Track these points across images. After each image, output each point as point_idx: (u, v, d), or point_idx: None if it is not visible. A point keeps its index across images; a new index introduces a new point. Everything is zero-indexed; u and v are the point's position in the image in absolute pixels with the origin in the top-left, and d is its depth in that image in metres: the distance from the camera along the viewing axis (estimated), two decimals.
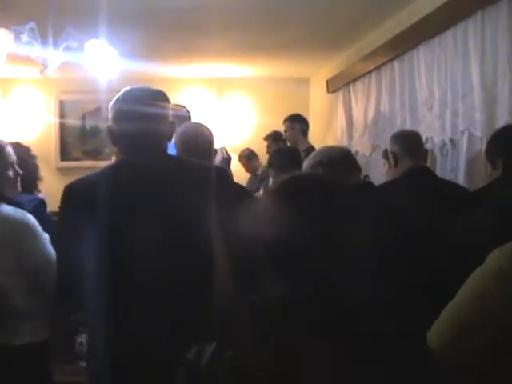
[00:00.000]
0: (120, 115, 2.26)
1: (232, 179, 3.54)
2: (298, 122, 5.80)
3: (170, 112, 2.34)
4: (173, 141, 3.21)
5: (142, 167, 2.21)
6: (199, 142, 3.16)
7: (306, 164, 2.88)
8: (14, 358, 2.58)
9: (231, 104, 8.02)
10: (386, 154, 3.53)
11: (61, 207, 2.26)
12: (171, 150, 3.77)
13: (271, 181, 4.02)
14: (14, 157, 2.90)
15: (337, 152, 2.89)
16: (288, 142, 5.93)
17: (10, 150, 2.87)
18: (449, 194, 3.17)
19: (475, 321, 1.51)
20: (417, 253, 2.39)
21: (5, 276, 2.58)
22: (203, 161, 2.74)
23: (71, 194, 2.21)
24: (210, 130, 3.34)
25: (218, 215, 2.10)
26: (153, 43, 5.65)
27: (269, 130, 6.65)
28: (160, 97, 2.32)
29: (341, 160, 2.80)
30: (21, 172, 2.94)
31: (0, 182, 2.79)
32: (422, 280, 2.26)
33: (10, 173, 2.85)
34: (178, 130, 3.38)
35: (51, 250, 2.62)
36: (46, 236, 2.71)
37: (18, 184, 2.95)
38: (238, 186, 3.47)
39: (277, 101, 7.76)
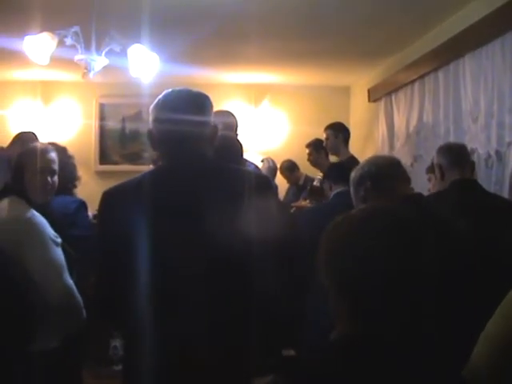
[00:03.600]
0: (160, 118, 2.18)
1: (277, 190, 3.47)
2: (341, 131, 5.73)
3: (213, 116, 2.26)
4: None
5: (182, 173, 2.15)
6: (220, 153, 3.13)
7: (353, 174, 2.80)
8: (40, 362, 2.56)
9: (270, 111, 7.98)
10: (431, 169, 3.49)
11: (98, 213, 2.23)
12: None
13: (328, 192, 4.05)
14: (52, 164, 2.90)
15: (386, 162, 2.80)
16: (329, 151, 5.87)
17: (51, 155, 2.87)
18: (496, 208, 3.09)
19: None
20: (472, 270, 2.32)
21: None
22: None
23: (109, 200, 2.17)
24: (235, 140, 3.32)
25: (260, 224, 2.03)
26: (194, 48, 5.64)
27: (308, 139, 6.59)
28: (202, 100, 2.22)
29: (390, 170, 2.72)
30: (55, 181, 2.94)
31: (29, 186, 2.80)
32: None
33: (42, 179, 2.85)
34: None
35: (60, 255, 2.60)
36: (53, 241, 2.69)
37: (49, 192, 2.94)
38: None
39: (317, 109, 7.71)
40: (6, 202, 2.73)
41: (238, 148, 3.31)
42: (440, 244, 1.49)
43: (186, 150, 2.17)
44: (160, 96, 2.21)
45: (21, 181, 2.82)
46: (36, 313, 2.07)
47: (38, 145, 3.02)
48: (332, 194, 3.94)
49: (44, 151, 2.90)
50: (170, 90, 2.22)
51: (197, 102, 2.21)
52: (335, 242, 1.41)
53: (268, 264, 2.04)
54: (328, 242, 1.41)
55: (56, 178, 2.96)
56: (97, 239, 2.35)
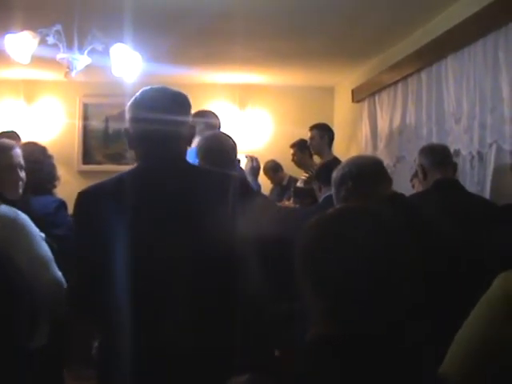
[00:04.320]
0: (136, 117, 2.13)
1: (259, 189, 3.46)
2: (326, 132, 5.72)
3: (196, 116, 2.24)
4: (193, 148, 3.17)
5: (158, 173, 2.12)
6: (222, 151, 3.11)
7: (335, 174, 2.79)
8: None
9: (253, 112, 7.97)
10: (415, 175, 3.52)
11: (74, 213, 2.19)
12: (192, 158, 3.76)
13: (318, 193, 3.94)
14: (18, 159, 2.87)
15: (367, 162, 2.80)
16: (313, 151, 5.85)
17: (15, 152, 2.85)
18: (477, 208, 3.11)
19: (485, 349, 1.47)
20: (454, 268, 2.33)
21: None
22: (225, 170, 2.66)
23: (85, 200, 2.14)
24: (232, 140, 3.30)
25: (236, 223, 2.02)
26: (177, 48, 5.63)
27: (292, 139, 6.59)
28: (180, 99, 2.19)
29: (371, 171, 2.72)
30: (23, 177, 2.91)
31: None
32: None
33: (12, 175, 2.83)
34: (200, 138, 3.35)
35: (46, 251, 2.58)
36: (39, 236, 2.67)
37: (20, 187, 2.91)
38: (263, 197, 3.39)
39: (301, 109, 7.72)
40: None
41: (231, 148, 3.30)
42: (422, 244, 1.49)
43: (162, 149, 2.13)
44: (137, 94, 2.17)
45: None
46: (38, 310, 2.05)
47: (2, 142, 2.99)
48: (322, 196, 3.84)
49: (8, 147, 2.87)
50: (147, 87, 2.18)
51: (175, 100, 2.17)
52: (311, 241, 1.40)
53: (250, 264, 2.03)
54: (304, 242, 1.41)
55: (24, 173, 2.93)
56: (73, 239, 2.32)
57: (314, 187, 4.02)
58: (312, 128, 5.79)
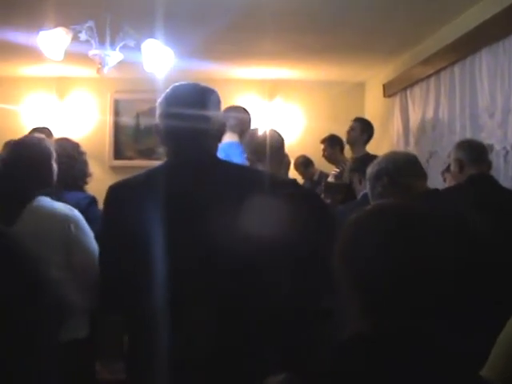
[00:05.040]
0: (166, 113, 2.14)
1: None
2: (368, 128, 5.66)
3: (221, 111, 2.23)
4: (234, 143, 3.16)
5: (187, 169, 2.12)
6: (270, 147, 3.10)
7: (370, 170, 2.76)
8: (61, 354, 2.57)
9: (284, 107, 7.94)
10: (447, 170, 3.47)
11: (104, 207, 2.20)
12: (234, 153, 3.75)
13: (358, 186, 3.81)
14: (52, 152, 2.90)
15: (403, 158, 2.77)
16: (348, 142, 5.79)
17: (46, 144, 2.87)
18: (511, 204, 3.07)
19: None
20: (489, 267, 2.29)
21: (51, 270, 2.59)
22: (273, 165, 2.66)
23: (115, 194, 2.16)
24: (280, 135, 3.29)
25: (265, 221, 2.00)
26: (208, 43, 5.62)
27: (322, 135, 6.57)
28: (209, 95, 2.18)
29: (407, 166, 2.69)
30: (56, 169, 2.93)
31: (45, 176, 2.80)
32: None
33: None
34: (248, 133, 3.37)
35: (96, 247, 2.61)
36: (91, 232, 2.71)
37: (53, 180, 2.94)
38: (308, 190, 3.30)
39: (331, 105, 7.68)
40: (42, 200, 2.72)
41: (279, 143, 3.30)
42: (458, 240, 1.46)
43: (191, 145, 2.13)
44: (167, 90, 2.17)
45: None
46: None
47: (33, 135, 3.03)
48: (362, 191, 3.69)
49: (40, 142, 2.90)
50: (177, 84, 2.18)
51: (204, 96, 2.16)
52: (349, 239, 1.39)
53: (282, 262, 2.01)
54: (342, 240, 1.40)
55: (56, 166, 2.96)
56: (101, 233, 2.33)
57: (354, 180, 3.92)
58: (356, 120, 5.75)
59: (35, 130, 5.59)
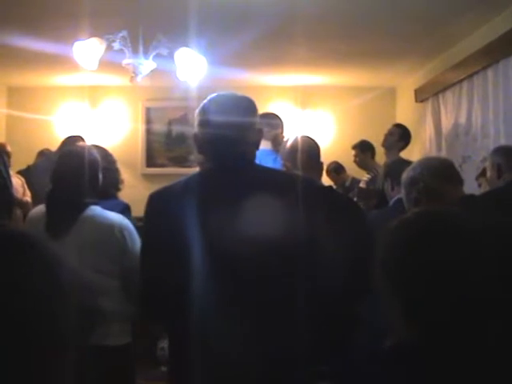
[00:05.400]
0: (205, 122, 2.18)
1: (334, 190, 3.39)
2: (406, 137, 5.62)
3: (258, 119, 2.25)
4: (267, 150, 3.18)
5: (227, 176, 2.15)
6: (305, 154, 3.11)
7: (405, 175, 2.75)
8: (101, 359, 2.60)
9: (315, 113, 7.94)
10: (481, 174, 3.42)
11: (144, 215, 2.24)
12: (272, 159, 3.75)
13: (390, 192, 3.71)
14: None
15: (438, 163, 2.76)
16: (384, 146, 5.76)
17: (94, 153, 2.90)
18: None
19: None
20: None
21: (100, 277, 2.62)
22: (308, 172, 2.66)
23: (154, 201, 2.19)
24: (315, 142, 3.31)
25: (310, 228, 2.01)
26: (240, 51, 5.64)
27: (353, 140, 6.55)
28: (247, 103, 2.22)
29: (443, 172, 2.67)
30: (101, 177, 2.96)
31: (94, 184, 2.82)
32: None
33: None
34: (285, 140, 3.40)
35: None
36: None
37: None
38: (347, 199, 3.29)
39: (362, 110, 7.67)
40: (95, 209, 2.76)
41: (316, 150, 3.31)
42: (500, 247, 1.45)
43: (230, 153, 2.16)
44: (205, 100, 2.21)
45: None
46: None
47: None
48: (395, 197, 3.57)
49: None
50: (215, 94, 2.22)
51: (241, 105, 2.20)
52: (389, 247, 1.39)
53: (320, 266, 2.02)
54: (382, 248, 1.39)
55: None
56: (142, 240, 2.36)
57: (385, 186, 3.83)
58: (396, 125, 5.75)
59: (69, 137, 5.67)
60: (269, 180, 2.18)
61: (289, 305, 2.00)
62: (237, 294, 2.01)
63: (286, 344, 2.01)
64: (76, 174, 2.73)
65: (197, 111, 2.22)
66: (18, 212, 5.56)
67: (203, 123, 2.19)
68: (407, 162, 3.61)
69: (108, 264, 2.66)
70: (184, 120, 7.77)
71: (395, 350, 1.33)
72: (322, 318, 2.01)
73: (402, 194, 3.39)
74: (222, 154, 2.17)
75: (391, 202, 3.61)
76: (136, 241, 2.73)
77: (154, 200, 2.19)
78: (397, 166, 3.79)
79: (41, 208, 2.83)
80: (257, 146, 2.27)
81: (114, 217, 2.77)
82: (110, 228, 2.70)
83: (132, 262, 2.63)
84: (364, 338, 1.89)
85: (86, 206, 2.73)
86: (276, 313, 2.02)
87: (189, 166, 7.39)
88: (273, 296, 2.01)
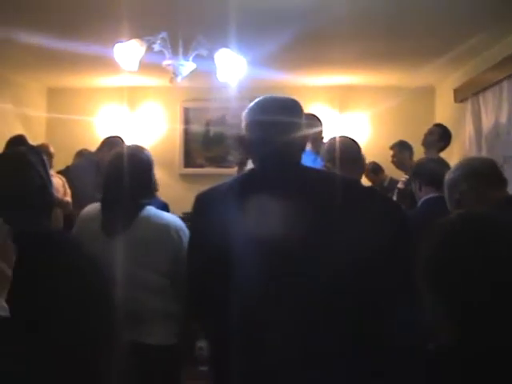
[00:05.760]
0: (252, 124, 2.21)
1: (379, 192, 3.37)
2: (446, 137, 5.60)
3: (303, 121, 2.26)
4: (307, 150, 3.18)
5: (274, 177, 2.16)
6: (346, 155, 3.11)
7: (448, 177, 2.73)
8: (147, 357, 2.63)
9: (353, 113, 7.91)
10: None
11: (191, 215, 2.26)
12: (311, 160, 3.75)
13: (418, 193, 3.65)
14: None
15: (482, 164, 2.72)
16: (423, 145, 5.73)
17: (147, 153, 2.91)
18: None
19: None
20: None
21: (153, 276, 2.65)
22: (351, 173, 2.66)
23: (200, 202, 2.22)
24: (356, 143, 3.31)
25: (357, 229, 2.01)
26: (279, 52, 5.65)
27: (391, 140, 6.51)
28: (293, 105, 2.23)
29: (486, 173, 2.64)
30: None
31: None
32: None
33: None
34: (325, 142, 3.40)
35: None
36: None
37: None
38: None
39: (401, 110, 7.61)
40: (150, 209, 2.79)
41: (357, 151, 3.31)
42: None
43: (277, 154, 2.17)
44: (252, 103, 2.24)
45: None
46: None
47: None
48: (423, 197, 3.55)
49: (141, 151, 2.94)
50: (261, 96, 2.25)
51: (288, 107, 2.22)
52: (435, 247, 1.38)
53: (378, 279, 2.01)
54: (426, 250, 1.39)
55: None
56: (189, 241, 2.38)
57: (413, 186, 3.76)
58: (437, 125, 5.76)
59: (108, 138, 5.74)
60: (316, 181, 2.18)
61: (332, 305, 2.00)
62: (283, 294, 2.02)
63: (329, 346, 2.01)
64: (131, 175, 2.73)
65: (244, 113, 2.24)
66: (59, 212, 5.65)
67: (250, 125, 2.21)
68: (437, 162, 3.53)
69: (162, 264, 2.69)
70: (222, 120, 7.82)
71: (439, 351, 1.32)
72: (365, 318, 2.00)
73: (433, 194, 3.36)
74: (270, 156, 2.18)
75: (419, 203, 3.55)
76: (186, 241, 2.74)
77: (201, 200, 2.22)
78: (424, 166, 3.76)
79: (94, 207, 2.87)
80: (303, 147, 2.28)
81: (170, 217, 2.81)
82: (166, 228, 2.73)
83: (183, 266, 2.66)
84: (408, 340, 1.88)
85: (143, 206, 2.75)
86: (320, 313, 2.01)
87: (227, 167, 7.44)
88: (317, 296, 2.01)
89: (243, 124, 2.24)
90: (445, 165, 3.66)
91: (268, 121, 2.16)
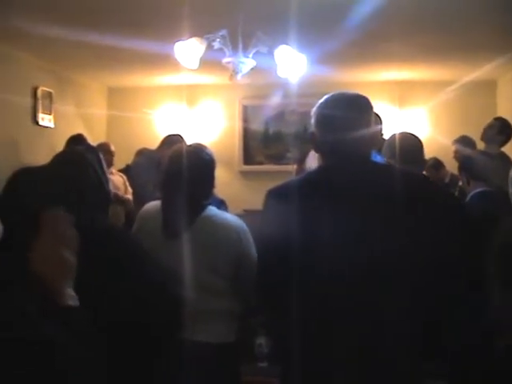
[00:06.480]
0: (321, 121, 2.21)
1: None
2: (507, 129, 5.50)
3: (373, 117, 2.25)
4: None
5: (344, 173, 2.15)
6: (411, 150, 3.08)
7: (511, 174, 2.67)
8: (204, 355, 2.64)
9: (413, 108, 7.80)
10: None
11: (263, 211, 2.27)
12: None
13: (466, 187, 3.60)
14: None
15: None
16: (483, 139, 5.63)
17: (209, 152, 2.90)
18: None
19: None
20: None
21: (213, 276, 2.67)
22: (413, 168, 2.64)
23: (272, 198, 2.22)
24: (417, 139, 3.28)
25: (431, 229, 1.99)
26: (338, 48, 5.60)
27: (452, 136, 6.41)
28: (362, 102, 2.22)
29: None
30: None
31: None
32: None
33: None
34: (387, 139, 3.39)
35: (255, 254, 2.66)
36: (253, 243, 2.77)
37: None
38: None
39: (461, 105, 7.48)
40: (212, 209, 2.80)
41: (419, 146, 3.29)
42: None
43: (347, 151, 2.16)
44: (321, 99, 2.24)
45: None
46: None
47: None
48: (472, 192, 3.45)
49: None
50: (330, 93, 2.25)
51: (358, 103, 2.22)
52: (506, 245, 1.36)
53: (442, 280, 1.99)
54: (504, 236, 1.36)
55: None
56: (259, 235, 2.39)
57: (462, 180, 3.71)
58: (496, 118, 5.67)
59: (168, 136, 5.80)
60: (387, 177, 2.16)
61: (404, 302, 1.99)
62: (354, 291, 2.01)
63: (399, 344, 1.99)
64: (191, 173, 2.71)
65: (313, 110, 2.25)
66: (119, 209, 5.74)
67: (320, 121, 2.22)
68: (486, 155, 3.46)
69: (223, 264, 2.68)
70: (281, 118, 7.83)
71: (510, 349, 1.30)
72: (433, 315, 1.98)
73: (482, 188, 3.28)
74: (340, 152, 2.17)
75: (468, 198, 3.49)
76: (251, 242, 2.74)
77: (273, 196, 2.23)
78: (471, 160, 3.70)
79: (153, 205, 2.86)
80: (373, 144, 2.29)
81: (232, 218, 2.79)
82: (227, 229, 2.72)
83: (247, 264, 2.67)
84: (477, 337, 1.85)
85: (204, 206, 2.75)
86: (392, 310, 2.00)
87: (286, 164, 7.43)
88: (389, 293, 2.00)
89: (312, 120, 2.25)
90: (505, 160, 3.58)
91: (338, 117, 2.17)
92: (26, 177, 1.98)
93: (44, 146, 6.41)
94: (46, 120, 6.85)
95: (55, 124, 6.98)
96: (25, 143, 6.42)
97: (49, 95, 6.90)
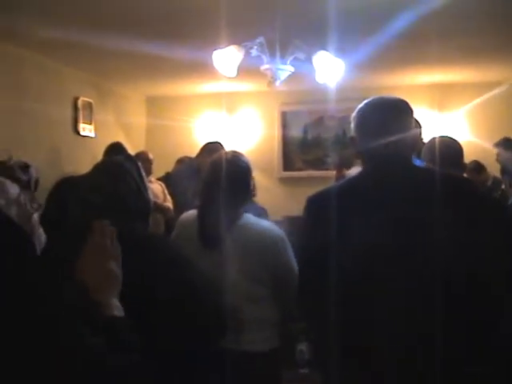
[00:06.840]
0: (361, 126, 2.22)
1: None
2: None
3: (413, 121, 2.23)
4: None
5: (386, 178, 2.15)
6: (445, 155, 3.06)
7: None
8: (245, 364, 2.64)
9: (451, 111, 7.71)
10: None
11: (304, 219, 2.28)
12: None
13: (508, 189, 3.58)
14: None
15: None
16: None
17: (245, 159, 2.89)
18: None
19: None
20: None
21: (252, 284, 2.67)
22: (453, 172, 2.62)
23: (313, 205, 2.23)
24: (457, 143, 3.26)
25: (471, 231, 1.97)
26: (377, 53, 5.57)
27: (493, 138, 6.31)
28: (402, 106, 2.23)
29: None
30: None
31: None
32: None
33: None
34: (426, 143, 3.38)
35: (294, 262, 2.65)
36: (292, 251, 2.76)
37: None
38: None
39: (501, 107, 7.36)
40: (249, 217, 2.80)
41: (458, 150, 3.27)
42: None
43: (388, 154, 2.16)
44: (361, 104, 2.25)
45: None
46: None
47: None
48: None
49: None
50: (370, 98, 2.26)
51: (398, 107, 2.22)
52: None
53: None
54: None
55: None
56: (300, 244, 2.39)
57: (504, 182, 3.70)
58: None
59: (208, 145, 5.82)
60: (430, 180, 2.14)
61: (443, 307, 1.97)
62: (389, 304, 2.00)
63: (437, 349, 1.97)
64: (228, 181, 2.72)
65: (353, 114, 2.26)
66: (159, 216, 5.78)
67: (360, 125, 2.23)
68: None
69: (261, 272, 2.68)
70: (319, 123, 7.82)
71: None
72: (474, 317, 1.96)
73: None
74: (381, 156, 2.17)
75: (510, 200, 3.45)
76: (290, 253, 2.73)
77: (313, 203, 2.24)
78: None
79: (192, 213, 2.87)
80: (414, 147, 2.29)
81: (269, 226, 2.78)
82: (264, 237, 2.71)
83: (285, 271, 2.67)
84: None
85: (241, 213, 2.75)
86: (437, 321, 1.98)
87: (326, 169, 7.43)
88: (428, 298, 1.98)
89: (352, 125, 2.26)
90: None
91: (378, 121, 2.17)
92: (68, 187, 2.01)
93: (86, 156, 6.50)
94: (86, 130, 6.95)
95: (96, 134, 7.08)
96: (67, 153, 6.52)
97: (89, 105, 7.00)
